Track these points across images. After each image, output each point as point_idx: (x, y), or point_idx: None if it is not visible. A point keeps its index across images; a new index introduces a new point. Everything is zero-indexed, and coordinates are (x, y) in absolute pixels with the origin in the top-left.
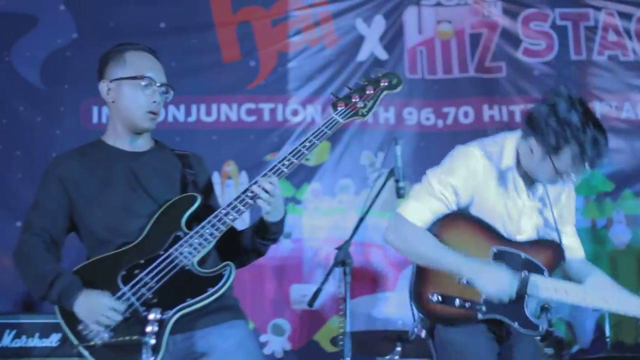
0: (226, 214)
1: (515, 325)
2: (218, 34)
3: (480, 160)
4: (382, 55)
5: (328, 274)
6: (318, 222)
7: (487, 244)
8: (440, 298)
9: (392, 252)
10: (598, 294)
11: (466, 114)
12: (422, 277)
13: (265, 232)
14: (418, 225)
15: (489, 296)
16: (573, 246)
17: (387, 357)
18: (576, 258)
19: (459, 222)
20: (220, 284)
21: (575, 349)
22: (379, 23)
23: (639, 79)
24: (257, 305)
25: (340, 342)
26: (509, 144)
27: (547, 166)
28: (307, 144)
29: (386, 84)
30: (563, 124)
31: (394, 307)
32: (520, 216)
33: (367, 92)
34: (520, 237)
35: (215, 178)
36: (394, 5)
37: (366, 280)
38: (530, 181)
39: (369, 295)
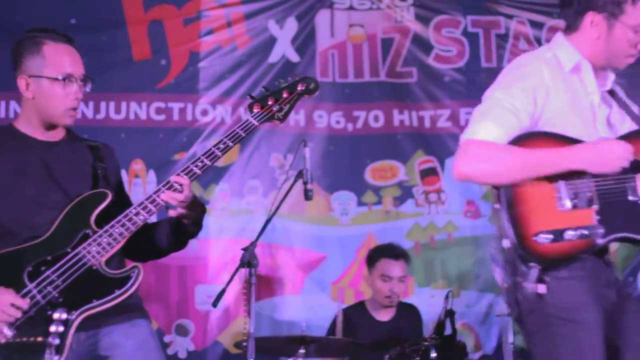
0: (136, 214)
1: None
2: (129, 31)
3: (542, 64)
4: (294, 57)
5: (233, 275)
6: (225, 222)
7: None
8: (549, 236)
9: (299, 255)
10: None
11: (376, 118)
12: (518, 217)
13: (184, 232)
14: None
15: (612, 170)
16: None
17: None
18: None
19: (538, 140)
20: (128, 285)
21: (478, 355)
22: (291, 25)
23: None
24: (161, 305)
25: (244, 344)
26: (559, 46)
27: (621, 33)
28: (221, 146)
29: (303, 88)
30: None
31: (299, 310)
32: (594, 119)
33: (284, 95)
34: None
35: (123, 176)
36: (307, 8)
37: (272, 283)
38: (600, 76)
39: (274, 297)
